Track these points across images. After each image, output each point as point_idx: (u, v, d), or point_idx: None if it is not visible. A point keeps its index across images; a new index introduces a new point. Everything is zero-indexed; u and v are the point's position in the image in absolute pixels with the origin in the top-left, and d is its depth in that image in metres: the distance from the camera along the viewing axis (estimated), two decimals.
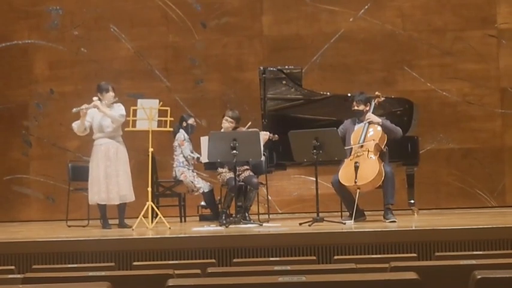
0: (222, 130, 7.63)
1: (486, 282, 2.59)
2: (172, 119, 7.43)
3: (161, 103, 7.32)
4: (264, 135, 7.44)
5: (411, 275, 2.56)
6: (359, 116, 7.36)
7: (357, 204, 6.97)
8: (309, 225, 6.66)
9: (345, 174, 7.05)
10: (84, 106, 7.30)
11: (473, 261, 3.41)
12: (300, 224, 6.81)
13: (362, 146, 7.14)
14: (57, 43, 10.55)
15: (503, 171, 10.11)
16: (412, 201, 8.18)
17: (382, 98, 7.54)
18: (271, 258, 5.52)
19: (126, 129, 7.40)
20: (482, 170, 10.09)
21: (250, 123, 7.84)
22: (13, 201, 10.43)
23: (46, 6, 10.60)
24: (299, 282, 2.50)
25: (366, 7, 10.29)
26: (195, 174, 8.43)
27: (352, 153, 7.15)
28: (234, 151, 6.88)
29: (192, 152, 8.30)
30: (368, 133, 7.21)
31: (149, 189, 7.26)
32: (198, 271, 3.65)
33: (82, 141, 9.25)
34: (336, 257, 4.54)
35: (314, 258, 4.73)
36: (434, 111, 10.11)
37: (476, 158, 10.12)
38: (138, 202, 7.45)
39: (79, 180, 8.25)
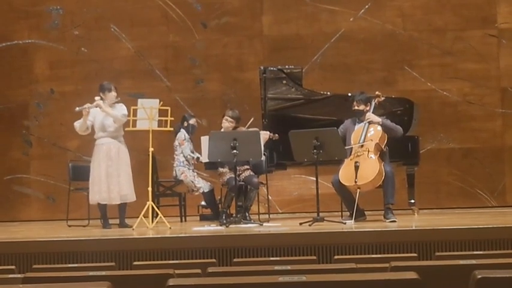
0: (222, 130, 7.63)
1: (486, 282, 2.59)
2: (172, 118, 7.43)
3: (161, 103, 7.32)
4: (264, 135, 7.44)
5: (411, 275, 2.56)
6: (359, 116, 7.36)
7: (357, 204, 6.97)
8: (309, 225, 6.66)
9: (345, 174, 7.05)
10: (87, 105, 7.31)
11: (474, 261, 3.41)
12: (300, 223, 6.81)
13: (362, 146, 7.14)
14: (57, 43, 10.55)
15: (504, 171, 10.11)
16: (413, 201, 8.18)
17: (383, 98, 7.54)
18: (271, 258, 5.52)
19: (126, 129, 7.40)
20: (482, 170, 10.09)
21: (252, 119, 7.85)
22: (13, 201, 10.43)
23: (46, 6, 10.60)
24: (299, 282, 2.50)
25: (366, 7, 10.29)
26: (195, 174, 8.43)
27: (353, 153, 7.15)
28: (235, 151, 6.88)
29: (192, 152, 8.30)
30: (368, 133, 7.21)
31: (149, 188, 7.26)
32: (199, 271, 3.65)
33: (82, 141, 9.25)
34: (336, 257, 4.54)
35: (314, 258, 4.72)
36: (435, 111, 10.11)
37: (477, 157, 10.12)
38: (138, 202, 7.45)
39: (79, 180, 8.25)
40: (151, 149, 7.33)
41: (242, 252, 5.78)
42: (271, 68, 8.41)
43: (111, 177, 7.26)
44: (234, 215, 7.68)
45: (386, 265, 3.47)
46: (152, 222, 7.19)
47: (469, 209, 9.41)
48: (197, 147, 8.04)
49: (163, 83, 10.42)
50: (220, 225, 7.17)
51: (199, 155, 7.99)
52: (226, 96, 10.31)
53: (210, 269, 3.34)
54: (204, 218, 8.51)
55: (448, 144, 10.17)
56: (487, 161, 10.11)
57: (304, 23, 10.40)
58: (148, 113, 7.22)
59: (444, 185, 10.11)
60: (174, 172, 8.42)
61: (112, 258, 5.67)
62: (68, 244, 6.06)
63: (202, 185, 8.30)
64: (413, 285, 2.52)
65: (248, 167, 7.74)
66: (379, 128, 7.22)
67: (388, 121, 7.31)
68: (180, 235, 6.47)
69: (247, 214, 7.59)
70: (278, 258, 5.38)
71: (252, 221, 7.41)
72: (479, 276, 2.60)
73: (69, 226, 8.04)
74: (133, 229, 7.05)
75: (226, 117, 7.69)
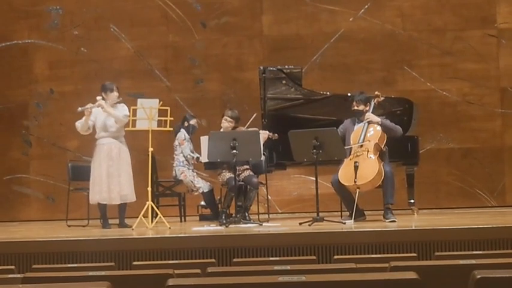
0: (222, 130, 7.63)
1: (486, 281, 2.59)
2: (172, 118, 7.43)
3: (161, 103, 7.32)
4: (264, 134, 7.45)
5: (411, 275, 2.56)
6: (359, 116, 7.36)
7: (356, 204, 6.97)
8: (309, 225, 6.66)
9: (344, 173, 7.05)
10: (89, 105, 7.32)
11: (473, 261, 3.42)
12: (300, 223, 6.81)
13: (362, 146, 7.14)
14: (57, 43, 10.55)
15: (503, 171, 10.12)
16: (412, 201, 8.18)
17: (382, 98, 7.54)
18: (271, 258, 5.52)
19: (126, 128, 7.40)
20: (482, 170, 10.09)
21: (255, 114, 7.87)
22: (13, 201, 10.43)
23: (46, 6, 10.60)
24: (299, 282, 2.50)
25: (366, 7, 10.29)
26: (195, 174, 8.43)
27: (352, 152, 7.15)
28: (234, 151, 6.88)
29: (192, 152, 8.30)
30: (368, 133, 7.21)
31: (149, 188, 7.26)
32: (198, 271, 3.65)
33: (82, 141, 9.25)
34: (335, 257, 4.54)
35: (314, 258, 4.72)
36: (434, 111, 10.11)
37: (476, 157, 10.12)
38: (138, 202, 7.45)
39: (79, 180, 8.25)
40: (150, 149, 7.33)
41: (242, 252, 5.78)
42: (271, 68, 8.41)
43: (112, 177, 7.27)
44: (233, 215, 7.68)
45: (386, 265, 3.47)
46: (152, 222, 7.19)
47: (468, 209, 9.41)
48: (197, 148, 8.04)
49: (163, 83, 10.42)
50: (220, 225, 7.17)
51: (198, 155, 7.99)
52: (226, 96, 10.31)
53: (210, 269, 3.34)
54: (203, 218, 8.51)
55: (447, 144, 10.17)
56: (486, 161, 10.11)
57: (304, 23, 10.40)
58: (147, 113, 7.22)
59: (444, 185, 10.11)
60: (173, 172, 8.42)
61: (112, 258, 5.67)
62: (68, 244, 6.06)
63: (202, 185, 8.30)
64: (413, 285, 2.52)
65: (248, 167, 7.74)
66: (379, 128, 7.22)
67: (387, 121, 7.31)
68: (179, 235, 6.47)
69: (246, 214, 7.59)
70: (278, 258, 5.38)
71: (252, 221, 7.41)
72: (479, 276, 2.60)
73: (69, 226, 8.04)
74: (132, 229, 7.05)
75: (225, 117, 7.69)
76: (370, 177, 6.93)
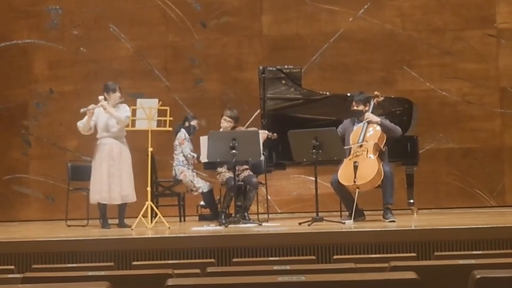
0: (221, 130, 7.63)
1: (485, 281, 2.59)
2: (171, 118, 7.42)
3: (161, 103, 7.32)
4: (263, 134, 7.45)
5: (411, 275, 2.56)
6: (358, 116, 7.36)
7: (356, 204, 6.97)
8: (309, 225, 6.66)
9: (344, 173, 7.05)
10: (91, 106, 7.33)
11: (473, 261, 3.42)
12: (300, 223, 6.81)
13: (361, 146, 7.14)
14: (56, 43, 10.55)
15: (503, 171, 10.12)
16: (412, 201, 8.18)
17: (382, 98, 7.55)
18: (270, 258, 5.53)
19: (125, 128, 7.40)
20: (481, 170, 10.09)
21: (259, 110, 7.87)
22: (13, 201, 10.43)
23: (46, 5, 10.59)
24: (298, 282, 2.50)
25: (366, 7, 10.29)
26: (194, 173, 8.43)
27: (352, 152, 7.16)
28: (234, 151, 6.88)
29: (192, 151, 8.30)
30: (367, 133, 7.21)
31: (148, 188, 7.26)
32: (198, 271, 3.65)
33: (81, 141, 9.26)
34: (335, 257, 4.54)
35: (313, 257, 4.73)
36: (434, 111, 10.11)
37: (476, 157, 10.12)
38: (137, 202, 7.45)
39: (78, 179, 8.26)
40: (150, 149, 7.33)
41: (241, 252, 5.78)
42: (271, 68, 8.41)
43: (113, 177, 7.27)
44: (233, 215, 7.68)
45: (386, 265, 3.47)
46: (151, 222, 7.19)
47: (468, 209, 9.41)
48: (196, 148, 8.04)
49: (162, 83, 10.41)
50: (220, 225, 7.17)
51: (199, 154, 7.98)
52: (225, 96, 10.30)
53: (209, 269, 3.34)
54: (203, 218, 8.51)
55: (447, 144, 10.17)
56: (486, 161, 10.11)
57: (304, 23, 10.40)
58: (147, 113, 7.22)
59: (443, 185, 10.11)
60: (173, 172, 8.42)
61: (111, 258, 5.67)
62: (67, 244, 6.06)
63: (202, 185, 8.31)
64: (413, 285, 2.52)
65: (247, 166, 7.74)
66: (378, 127, 7.22)
67: (387, 121, 7.31)
68: (179, 235, 6.47)
69: (246, 214, 7.59)
70: (277, 258, 5.39)
71: (251, 221, 7.41)
72: (478, 276, 2.60)
73: (68, 226, 8.04)
74: (132, 229, 7.05)
75: (224, 117, 7.70)
76: (369, 177, 6.93)
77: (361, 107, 7.35)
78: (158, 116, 7.31)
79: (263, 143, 7.37)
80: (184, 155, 8.32)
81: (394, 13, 10.32)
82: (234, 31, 10.43)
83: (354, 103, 7.38)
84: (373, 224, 6.80)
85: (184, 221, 8.50)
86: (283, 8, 10.39)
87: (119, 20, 10.50)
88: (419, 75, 10.21)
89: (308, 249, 5.74)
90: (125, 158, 7.37)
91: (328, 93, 8.57)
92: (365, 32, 10.31)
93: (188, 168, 8.35)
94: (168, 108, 7.39)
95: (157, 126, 7.34)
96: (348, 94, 8.02)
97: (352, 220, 6.94)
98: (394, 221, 6.89)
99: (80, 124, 7.45)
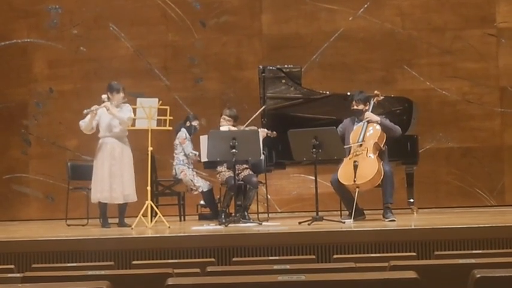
0: (222, 127, 7.64)
1: (485, 281, 2.59)
2: (171, 118, 7.42)
3: (160, 102, 7.32)
4: (262, 132, 7.45)
5: (410, 274, 2.56)
6: (358, 115, 7.36)
7: (356, 203, 6.97)
8: (309, 224, 6.66)
9: (344, 173, 7.05)
10: (94, 107, 7.33)
11: (473, 260, 3.41)
12: (300, 223, 6.81)
13: (361, 145, 7.14)
14: (56, 42, 10.55)
15: (503, 170, 10.12)
16: (412, 200, 8.18)
17: (382, 97, 7.55)
18: (270, 257, 5.52)
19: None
20: (481, 169, 10.09)
21: (264, 106, 7.88)
22: (12, 200, 10.43)
23: (45, 5, 10.59)
24: (298, 281, 2.50)
25: (365, 6, 10.29)
26: (194, 173, 8.44)
27: (351, 152, 7.15)
28: (234, 150, 6.87)
29: (193, 150, 8.31)
30: (367, 132, 7.21)
31: (148, 188, 7.26)
32: (198, 270, 3.64)
33: (81, 140, 9.26)
34: (335, 256, 4.54)
35: (313, 257, 4.72)
36: (434, 110, 10.11)
37: (476, 157, 10.12)
38: (137, 201, 7.45)
39: (78, 179, 8.25)
40: (150, 148, 7.33)
41: (241, 252, 5.78)
42: (270, 67, 8.41)
43: (114, 176, 7.28)
44: (233, 214, 7.68)
45: (386, 264, 3.47)
46: (151, 221, 7.18)
47: (468, 208, 9.41)
48: (196, 147, 8.04)
49: (162, 82, 10.41)
50: (219, 225, 7.17)
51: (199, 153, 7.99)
52: (225, 95, 10.30)
53: (209, 268, 3.34)
54: (203, 217, 8.51)
55: (447, 144, 10.17)
56: (486, 160, 10.11)
57: (304, 22, 10.40)
58: (147, 112, 7.22)
59: (443, 184, 10.11)
60: (173, 171, 8.42)
61: (111, 258, 5.67)
62: (67, 243, 6.06)
63: (202, 184, 8.31)
64: (413, 285, 2.51)
65: (247, 166, 7.74)
66: (378, 127, 7.22)
67: (387, 121, 7.31)
68: (179, 234, 6.47)
69: (246, 213, 7.58)
70: (277, 258, 5.37)
71: (251, 220, 7.40)
72: (478, 276, 2.60)
73: (68, 225, 8.04)
74: (132, 228, 7.05)
75: (223, 116, 7.70)
76: (369, 177, 6.93)
77: (361, 106, 7.35)
78: (158, 115, 7.31)
79: (262, 141, 7.36)
80: (186, 154, 8.32)
81: (394, 12, 10.31)
82: (234, 30, 10.43)
83: (353, 102, 7.38)
84: (373, 223, 6.79)
85: (184, 220, 8.49)
86: (283, 7, 10.39)
87: (118, 19, 10.50)
88: (419, 75, 10.20)
89: (308, 249, 5.74)
90: (126, 158, 7.37)
91: (328, 92, 8.57)
92: (365, 31, 10.31)
93: (188, 168, 8.36)
94: (168, 107, 7.39)
95: (157, 125, 7.34)
96: (348, 93, 8.01)
97: (352, 219, 6.93)
98: (394, 221, 6.88)
99: (83, 123, 7.45)
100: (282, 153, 7.88)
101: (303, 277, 2.52)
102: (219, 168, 7.71)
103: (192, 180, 8.30)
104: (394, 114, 8.16)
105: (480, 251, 5.31)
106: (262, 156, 7.56)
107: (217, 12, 10.45)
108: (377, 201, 7.32)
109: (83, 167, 8.24)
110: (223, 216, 7.38)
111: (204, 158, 7.47)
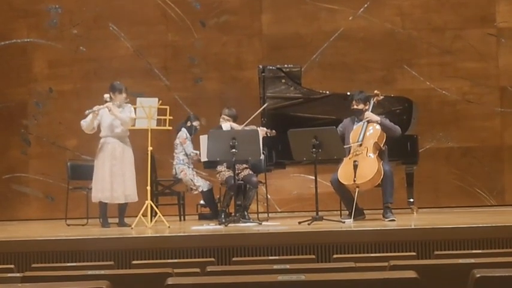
0: (222, 125, 7.65)
1: (485, 281, 2.59)
2: (171, 117, 7.42)
3: (160, 102, 7.31)
4: (261, 131, 7.46)
5: (410, 274, 2.56)
6: (358, 115, 7.36)
7: (356, 203, 6.97)
8: (308, 224, 6.66)
9: (344, 172, 7.05)
10: (96, 108, 7.33)
11: (473, 260, 3.41)
12: (299, 222, 6.81)
13: (361, 145, 7.14)
14: (56, 42, 10.54)
15: (503, 170, 10.12)
16: (412, 200, 8.18)
17: (382, 97, 7.55)
18: (270, 257, 5.51)
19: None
20: (481, 169, 10.09)
21: (266, 104, 7.88)
22: (12, 200, 10.43)
23: (45, 4, 10.59)
24: (298, 281, 2.50)
25: (365, 5, 10.29)
26: (194, 172, 8.43)
27: (351, 151, 7.15)
28: (234, 150, 6.87)
29: (193, 150, 8.31)
30: (367, 132, 7.21)
31: (148, 187, 7.26)
32: (198, 270, 3.64)
33: (81, 140, 9.26)
34: (335, 256, 4.54)
35: (313, 257, 4.72)
36: (434, 110, 10.11)
37: (476, 156, 10.12)
38: (137, 201, 7.45)
39: (78, 178, 8.25)
40: (150, 148, 7.33)
41: (241, 251, 5.78)
42: (270, 67, 8.41)
43: (116, 176, 7.28)
44: (233, 214, 7.68)
45: (386, 264, 3.47)
46: (151, 221, 7.18)
47: (468, 208, 9.41)
48: (196, 147, 8.04)
49: (162, 82, 10.41)
50: (219, 224, 7.17)
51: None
52: (225, 95, 10.29)
53: (209, 268, 3.34)
54: (203, 217, 8.51)
55: (447, 143, 10.17)
56: (486, 160, 10.11)
57: (304, 21, 10.40)
58: (147, 112, 7.22)
59: (443, 184, 10.11)
60: (173, 170, 8.42)
61: (111, 257, 5.67)
62: (67, 243, 6.06)
63: (202, 184, 8.31)
64: (412, 284, 2.51)
65: (247, 166, 7.74)
66: (378, 126, 7.21)
67: (387, 120, 7.30)
68: (179, 234, 6.47)
69: (246, 213, 7.59)
70: (277, 257, 5.37)
71: (251, 220, 7.40)
72: (478, 275, 2.60)
73: (68, 225, 8.04)
74: (132, 228, 7.05)
75: (223, 115, 7.71)
76: (369, 176, 6.93)
77: (361, 106, 7.35)
78: (158, 115, 7.31)
79: (262, 141, 7.36)
80: (187, 154, 8.32)
81: (393, 12, 10.31)
82: (234, 30, 10.43)
83: (353, 102, 7.38)
84: (373, 223, 6.79)
85: (184, 220, 8.49)
86: (283, 6, 10.39)
87: (118, 19, 10.50)
88: (419, 74, 10.20)
89: (308, 249, 5.74)
90: (127, 158, 7.38)
91: (328, 92, 8.57)
92: (365, 30, 10.31)
93: (188, 167, 8.35)
94: (167, 107, 7.39)
95: (157, 125, 7.34)
96: (348, 93, 8.01)
97: (352, 219, 6.93)
98: (394, 220, 6.88)
99: (84, 123, 7.45)
100: (281, 153, 7.88)
101: (302, 277, 2.52)
102: (219, 168, 7.71)
103: (192, 180, 8.30)
104: (394, 114, 8.15)
105: (480, 251, 5.31)
106: (262, 156, 7.56)
107: (217, 12, 10.45)
108: (377, 201, 7.32)
109: (82, 166, 8.23)
110: (223, 216, 7.38)
111: (204, 158, 7.47)
